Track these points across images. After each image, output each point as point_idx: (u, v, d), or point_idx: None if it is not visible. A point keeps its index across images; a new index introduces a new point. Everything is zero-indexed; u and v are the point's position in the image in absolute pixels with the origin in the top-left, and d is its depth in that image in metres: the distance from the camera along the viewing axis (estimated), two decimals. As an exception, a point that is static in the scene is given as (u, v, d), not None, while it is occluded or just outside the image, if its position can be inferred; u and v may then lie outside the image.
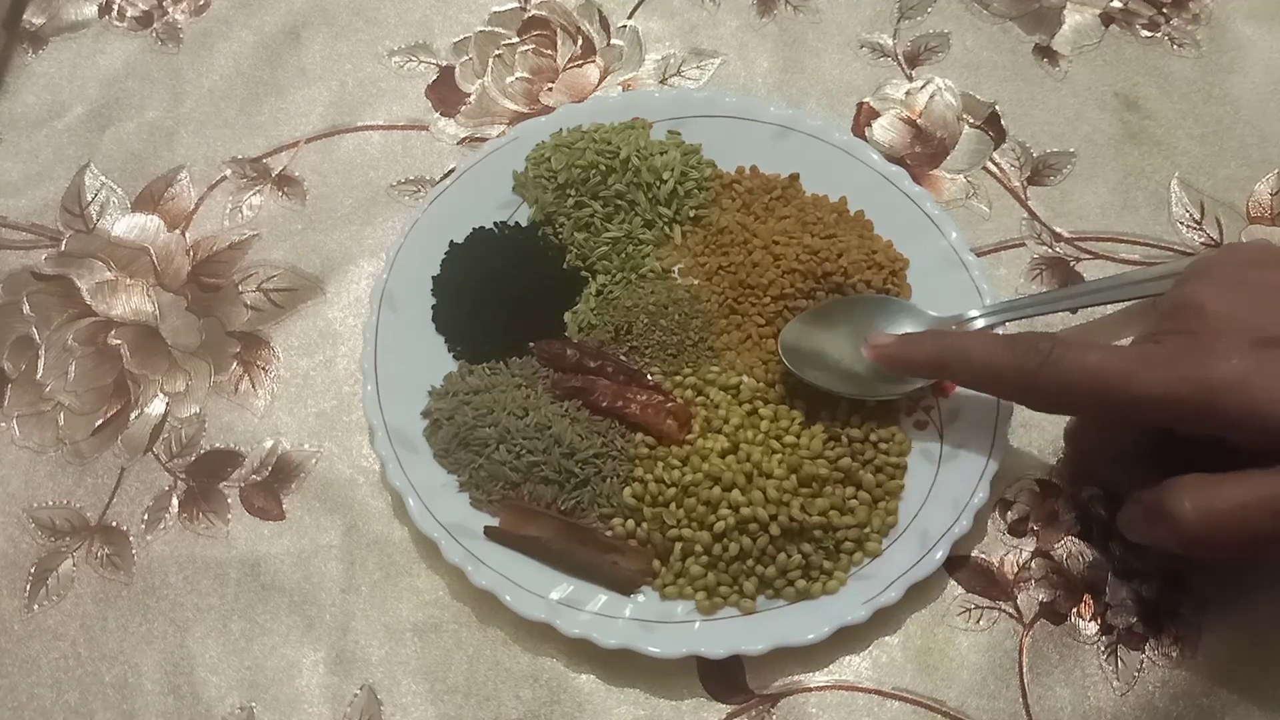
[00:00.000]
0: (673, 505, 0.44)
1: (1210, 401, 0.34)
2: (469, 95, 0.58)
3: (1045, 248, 0.52)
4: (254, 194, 0.55)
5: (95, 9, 0.62)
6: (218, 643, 0.46)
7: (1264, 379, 0.34)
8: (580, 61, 0.59)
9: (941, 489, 0.45)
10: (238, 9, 0.61)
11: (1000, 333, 0.46)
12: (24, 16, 0.62)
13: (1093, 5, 0.59)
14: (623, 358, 0.48)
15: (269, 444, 0.49)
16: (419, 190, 0.55)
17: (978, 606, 0.45)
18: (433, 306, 0.50)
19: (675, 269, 0.51)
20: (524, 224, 0.52)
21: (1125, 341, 0.49)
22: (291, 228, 0.54)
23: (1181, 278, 0.40)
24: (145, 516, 0.48)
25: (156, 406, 0.50)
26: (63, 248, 0.55)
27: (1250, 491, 0.34)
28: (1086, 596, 0.45)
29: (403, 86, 0.58)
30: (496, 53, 0.59)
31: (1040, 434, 0.48)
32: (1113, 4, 0.59)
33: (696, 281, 0.50)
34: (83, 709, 0.45)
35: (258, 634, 0.46)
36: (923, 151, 0.55)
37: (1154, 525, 0.37)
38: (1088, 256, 0.52)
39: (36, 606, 0.47)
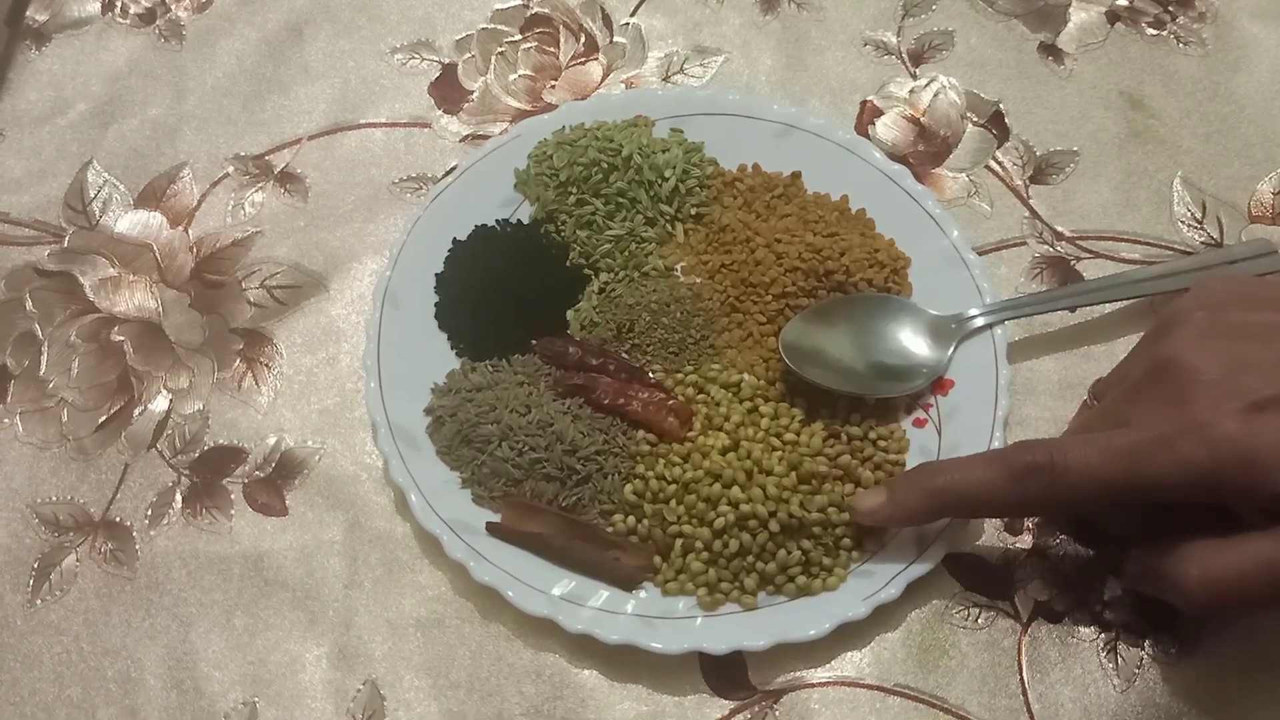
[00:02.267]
0: (673, 502, 0.44)
1: (1217, 480, 0.34)
2: (471, 93, 0.58)
3: (1046, 247, 0.52)
4: (256, 191, 0.56)
5: (98, 6, 0.62)
6: (221, 638, 0.46)
7: (1267, 449, 0.34)
8: (583, 59, 0.59)
9: (942, 487, 0.45)
10: (240, 6, 0.61)
11: (990, 447, 0.45)
12: (27, 13, 0.62)
13: (1098, 3, 0.59)
14: (624, 355, 0.48)
15: (272, 440, 0.50)
16: (421, 188, 0.55)
17: (976, 604, 0.45)
18: (435, 304, 0.50)
19: (677, 267, 0.51)
20: (526, 222, 0.52)
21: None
22: (294, 225, 0.55)
23: (1159, 329, 0.39)
24: (149, 512, 0.48)
25: (160, 403, 0.51)
26: (65, 244, 0.55)
27: (1252, 557, 0.34)
28: (1083, 594, 0.45)
29: (405, 84, 0.58)
30: (499, 50, 0.59)
31: (1036, 433, 0.48)
32: (1118, 2, 0.59)
33: (698, 279, 0.50)
34: (85, 704, 0.45)
35: (261, 629, 0.46)
36: (925, 150, 0.55)
37: (1158, 587, 0.37)
38: (1088, 255, 0.52)
39: (40, 601, 0.47)
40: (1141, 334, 0.42)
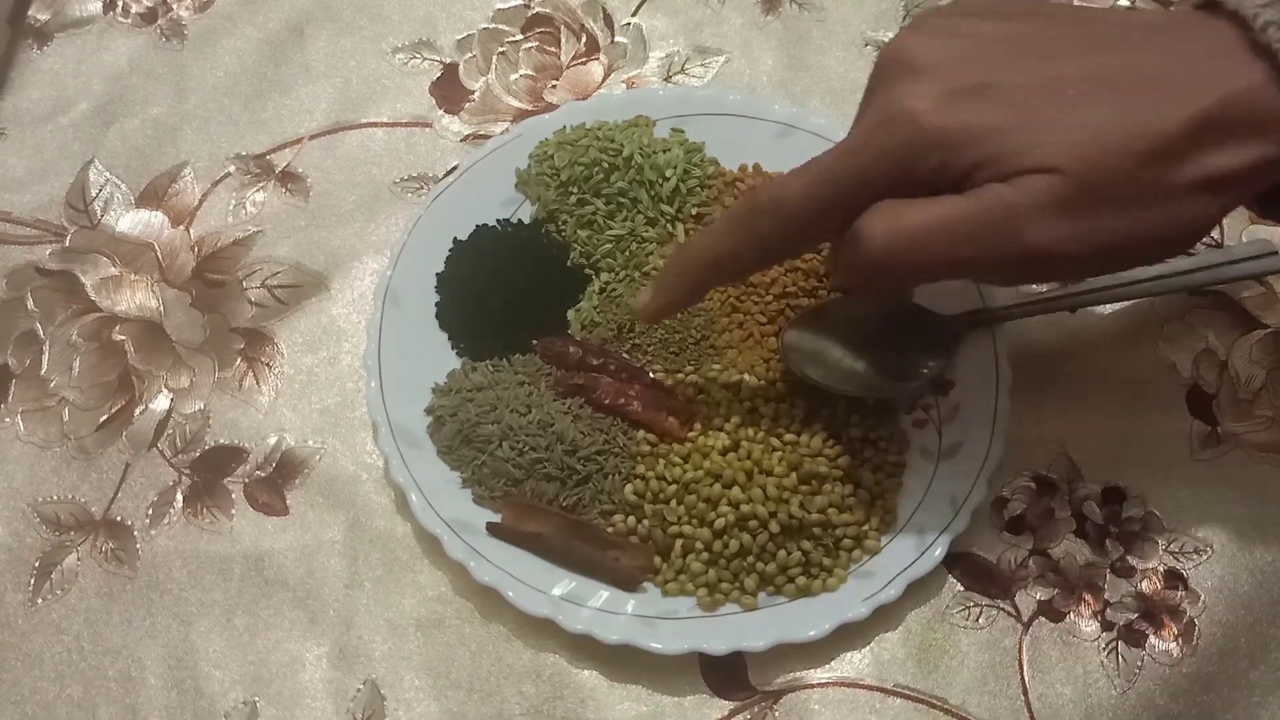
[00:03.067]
0: (674, 502, 0.44)
1: (911, 163, 0.34)
2: (472, 92, 0.58)
3: (1047, 247, 0.52)
4: (258, 190, 0.56)
5: (100, 5, 0.62)
6: (221, 637, 0.46)
7: (956, 128, 0.33)
8: (584, 59, 0.59)
9: (940, 487, 0.45)
10: (242, 5, 0.61)
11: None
12: (29, 12, 0.62)
13: (1099, 4, 0.59)
14: (625, 355, 0.49)
15: (273, 440, 0.50)
16: (422, 187, 0.55)
17: (976, 604, 0.45)
18: (436, 304, 0.50)
19: (678, 267, 0.51)
20: (527, 221, 0.52)
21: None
22: (295, 224, 0.55)
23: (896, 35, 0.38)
24: (150, 511, 0.48)
25: (161, 402, 0.51)
26: (67, 243, 0.55)
27: (938, 214, 0.34)
28: (1084, 594, 0.45)
29: (406, 83, 0.58)
30: (500, 50, 0.59)
31: (1038, 432, 0.48)
32: (1119, 3, 0.59)
33: (699, 279, 0.50)
34: (86, 703, 0.45)
35: (261, 629, 0.46)
36: (925, 150, 0.55)
37: (846, 251, 0.36)
38: (1090, 256, 0.52)
39: (40, 601, 0.47)
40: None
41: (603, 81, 0.58)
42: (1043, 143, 0.32)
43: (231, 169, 0.56)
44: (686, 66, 0.58)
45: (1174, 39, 0.34)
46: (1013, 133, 0.33)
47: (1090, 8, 0.37)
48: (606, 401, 0.46)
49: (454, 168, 0.54)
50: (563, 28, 0.60)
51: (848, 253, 0.36)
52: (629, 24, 0.60)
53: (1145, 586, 0.45)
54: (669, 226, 0.51)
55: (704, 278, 0.41)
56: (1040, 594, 0.45)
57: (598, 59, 0.59)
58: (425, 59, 0.59)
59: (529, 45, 0.59)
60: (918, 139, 0.34)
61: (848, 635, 0.43)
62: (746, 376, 0.48)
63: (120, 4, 0.62)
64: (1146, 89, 0.33)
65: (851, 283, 0.38)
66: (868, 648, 0.44)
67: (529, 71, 0.58)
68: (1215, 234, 0.52)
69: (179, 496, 0.49)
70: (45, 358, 0.52)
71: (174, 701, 0.45)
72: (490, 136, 0.55)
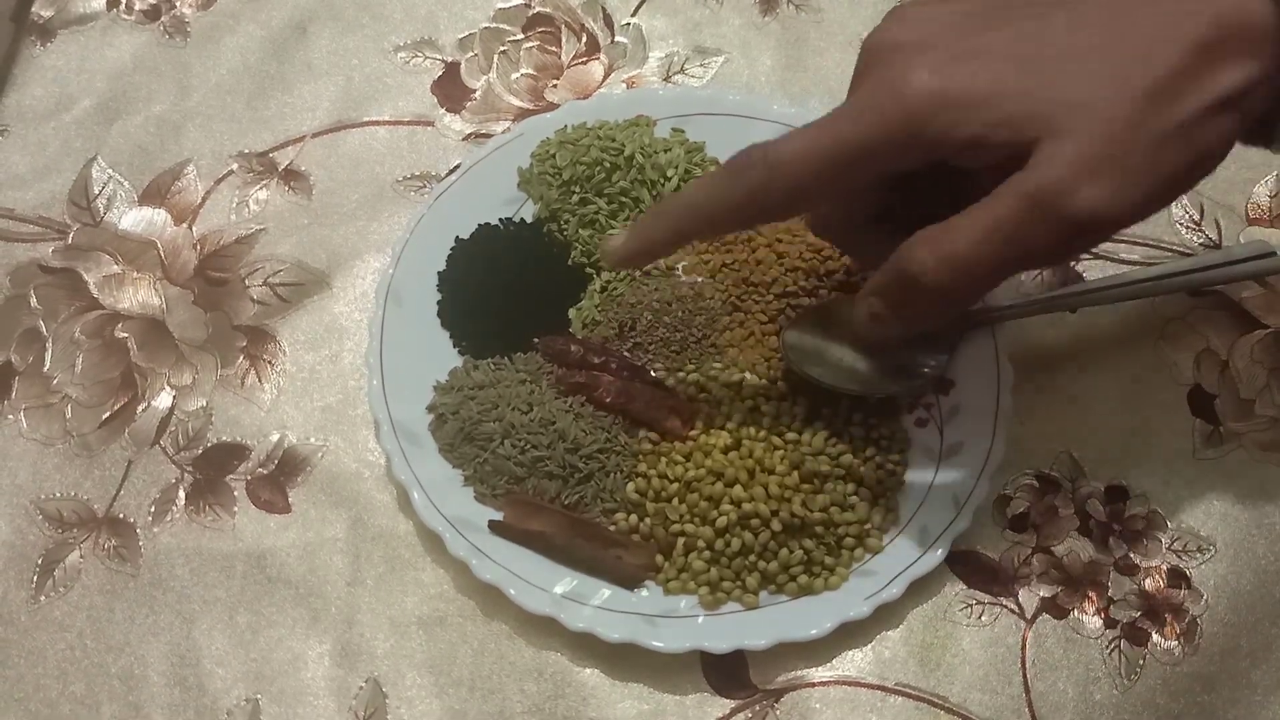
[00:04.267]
0: (675, 500, 0.45)
1: (917, 129, 0.33)
2: (474, 91, 0.58)
3: (1048, 246, 0.52)
4: (260, 188, 0.56)
5: (103, 2, 0.62)
6: (224, 635, 0.46)
7: (958, 90, 0.32)
8: (584, 59, 0.59)
9: (942, 485, 0.45)
10: (244, 3, 0.61)
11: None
12: (32, 9, 0.62)
13: None
14: (626, 354, 0.49)
15: (275, 438, 0.50)
16: (424, 186, 0.55)
17: (979, 602, 0.45)
18: (438, 302, 0.50)
19: (679, 266, 0.51)
20: (529, 220, 0.52)
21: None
22: (298, 222, 0.55)
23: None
24: (152, 509, 0.48)
25: (163, 400, 0.51)
26: (70, 241, 0.55)
27: (979, 225, 0.33)
28: (1088, 592, 0.45)
29: (408, 82, 0.58)
30: (501, 49, 0.59)
31: (1040, 430, 0.48)
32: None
33: (700, 279, 0.50)
34: (89, 700, 0.45)
35: (263, 626, 0.46)
36: (926, 150, 0.55)
37: (901, 296, 0.36)
38: (1088, 256, 0.52)
39: (43, 598, 0.47)
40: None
41: (603, 81, 0.58)
42: (1051, 103, 0.32)
43: (234, 167, 0.56)
44: (686, 66, 0.58)
45: None
46: (1018, 95, 0.32)
47: None
48: (608, 400, 0.46)
49: (456, 166, 0.54)
50: (563, 27, 0.60)
51: (902, 292, 0.35)
52: (629, 24, 0.60)
53: (1148, 585, 0.45)
54: (671, 225, 0.51)
55: (683, 224, 0.39)
56: (1044, 591, 0.45)
57: (598, 59, 0.59)
58: (427, 57, 0.59)
59: (530, 45, 0.59)
60: (921, 103, 0.33)
61: (849, 634, 0.43)
62: (748, 375, 0.48)
63: (123, 1, 0.62)
64: (1139, 27, 0.32)
65: (914, 320, 0.37)
66: (869, 646, 0.44)
67: (530, 71, 0.58)
68: (1214, 235, 0.52)
69: (181, 494, 0.49)
70: (48, 355, 0.52)
71: (176, 699, 0.45)
72: (492, 135, 0.55)
